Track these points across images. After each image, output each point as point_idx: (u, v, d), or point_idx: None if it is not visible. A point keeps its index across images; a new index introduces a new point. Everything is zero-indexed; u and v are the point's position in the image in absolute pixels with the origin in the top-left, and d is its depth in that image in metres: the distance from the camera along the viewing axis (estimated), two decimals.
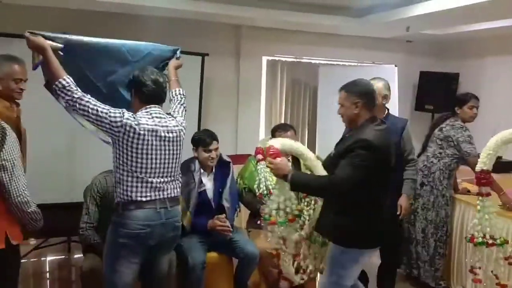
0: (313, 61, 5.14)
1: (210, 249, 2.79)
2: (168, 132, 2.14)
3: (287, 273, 2.30)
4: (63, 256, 3.77)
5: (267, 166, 2.17)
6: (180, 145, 2.21)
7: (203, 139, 2.81)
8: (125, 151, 2.05)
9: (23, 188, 1.94)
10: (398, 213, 2.78)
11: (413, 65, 5.33)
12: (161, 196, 2.12)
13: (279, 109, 5.10)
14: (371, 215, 2.10)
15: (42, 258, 3.71)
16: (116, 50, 2.29)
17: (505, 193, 2.72)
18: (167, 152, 2.14)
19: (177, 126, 2.20)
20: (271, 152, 2.14)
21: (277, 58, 5.03)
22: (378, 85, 2.70)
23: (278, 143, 2.25)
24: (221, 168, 2.92)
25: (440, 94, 5.02)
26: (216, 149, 2.83)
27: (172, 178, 2.19)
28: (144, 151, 2.07)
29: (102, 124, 2.01)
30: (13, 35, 3.41)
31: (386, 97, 2.82)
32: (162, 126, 2.13)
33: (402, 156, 2.80)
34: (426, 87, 5.21)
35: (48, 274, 3.54)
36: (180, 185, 2.26)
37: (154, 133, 2.08)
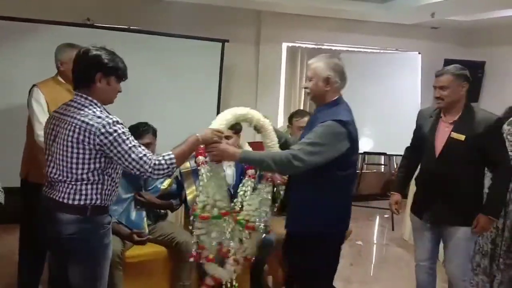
0: (334, 48, 5.08)
1: None
2: (62, 115, 1.80)
3: (213, 270, 2.08)
4: None
5: (208, 152, 1.95)
6: (70, 137, 1.72)
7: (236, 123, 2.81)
8: None
9: None
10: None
11: (438, 52, 5.18)
12: (45, 189, 1.85)
13: (298, 96, 5.07)
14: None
15: None
16: None
17: None
18: (52, 139, 1.81)
19: (78, 119, 1.72)
20: (200, 151, 1.99)
21: (297, 45, 4.98)
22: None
23: (222, 119, 2.12)
24: None
25: None
26: None
27: (55, 176, 1.76)
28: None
29: None
30: (40, 21, 3.51)
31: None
32: (59, 112, 1.84)
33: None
34: None
35: None
36: (71, 192, 1.73)
37: (53, 117, 1.86)
